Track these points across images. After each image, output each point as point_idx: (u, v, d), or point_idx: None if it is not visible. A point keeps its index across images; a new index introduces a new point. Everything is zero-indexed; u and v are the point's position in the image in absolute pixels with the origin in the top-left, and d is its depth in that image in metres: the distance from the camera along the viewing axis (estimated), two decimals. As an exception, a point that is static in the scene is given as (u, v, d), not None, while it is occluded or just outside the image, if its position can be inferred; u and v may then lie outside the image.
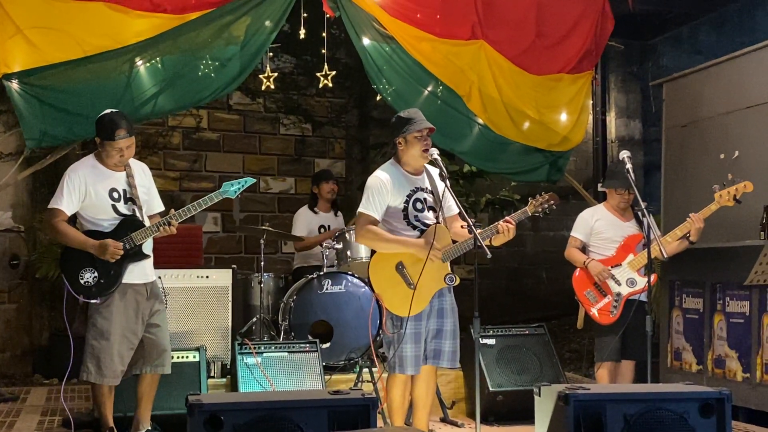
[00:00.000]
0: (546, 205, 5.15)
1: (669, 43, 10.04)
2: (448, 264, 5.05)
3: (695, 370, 6.51)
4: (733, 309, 6.21)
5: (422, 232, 5.01)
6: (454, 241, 5.07)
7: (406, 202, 4.99)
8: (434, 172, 5.17)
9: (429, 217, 5.06)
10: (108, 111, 5.16)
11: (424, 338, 5.01)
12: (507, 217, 4.99)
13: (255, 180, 5.42)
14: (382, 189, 4.95)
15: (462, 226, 5.01)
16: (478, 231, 4.85)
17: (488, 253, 4.74)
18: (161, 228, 5.06)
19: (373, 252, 5.13)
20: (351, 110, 10.54)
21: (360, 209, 4.98)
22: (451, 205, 5.12)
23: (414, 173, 5.09)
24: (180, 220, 5.13)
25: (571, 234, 6.18)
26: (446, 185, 5.05)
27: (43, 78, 6.00)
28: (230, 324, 6.55)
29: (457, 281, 4.99)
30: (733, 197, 5.66)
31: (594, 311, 5.92)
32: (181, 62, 6.32)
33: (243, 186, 5.26)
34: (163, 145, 9.90)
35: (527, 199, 5.25)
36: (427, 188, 5.08)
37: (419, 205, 5.02)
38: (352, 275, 6.80)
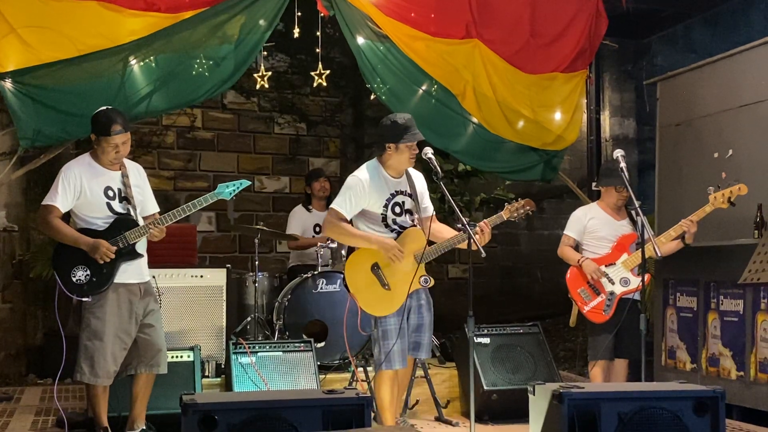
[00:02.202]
0: (522, 211, 5.24)
1: (663, 42, 10.05)
2: (423, 265, 5.10)
3: (689, 369, 6.52)
4: (727, 307, 6.22)
5: (399, 234, 5.10)
6: (431, 243, 5.15)
7: (385, 206, 5.06)
8: (414, 173, 5.23)
9: (407, 221, 5.16)
10: (103, 107, 5.16)
11: (408, 332, 5.10)
12: (483, 221, 5.06)
13: (250, 182, 5.42)
14: (360, 191, 5.01)
15: (459, 227, 5.05)
16: (456, 234, 5.07)
17: (483, 252, 4.82)
18: (152, 228, 5.06)
19: (350, 252, 5.21)
20: (345, 109, 10.55)
21: (333, 205, 5.05)
22: (428, 206, 5.22)
23: (395, 176, 5.14)
24: (173, 221, 5.13)
25: (565, 232, 6.18)
26: (440, 185, 5.14)
27: (37, 77, 5.97)
28: (225, 323, 6.54)
29: (432, 283, 5.10)
30: (728, 199, 5.67)
31: (587, 310, 5.93)
32: (175, 61, 6.30)
33: (238, 188, 5.26)
34: (158, 145, 9.89)
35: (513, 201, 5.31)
36: (406, 191, 5.15)
37: (397, 209, 5.10)
38: (347, 274, 6.79)
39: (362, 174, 5.07)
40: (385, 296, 5.02)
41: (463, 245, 5.09)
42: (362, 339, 6.46)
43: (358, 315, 5.11)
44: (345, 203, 5.01)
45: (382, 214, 5.06)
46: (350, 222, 5.13)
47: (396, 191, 5.11)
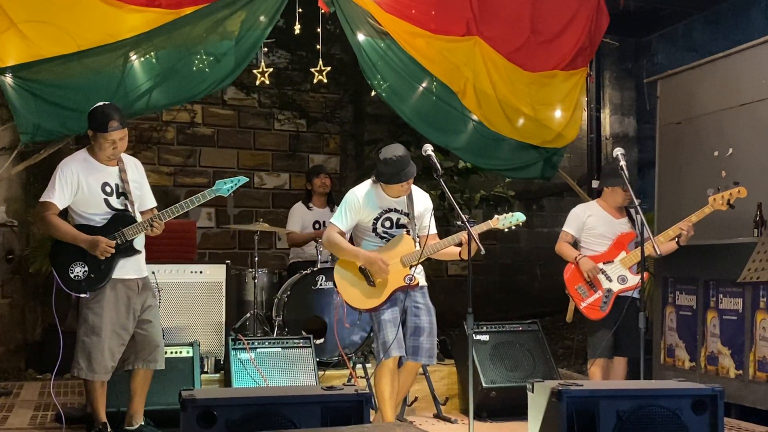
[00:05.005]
0: (510, 222, 5.29)
1: (664, 40, 10.04)
2: (420, 267, 5.31)
3: (688, 367, 6.52)
4: (727, 306, 6.22)
5: (388, 241, 5.33)
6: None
7: (376, 219, 5.30)
8: (418, 195, 5.39)
9: (398, 232, 5.36)
10: (100, 103, 5.15)
11: (403, 332, 5.24)
12: (472, 228, 5.07)
13: (248, 179, 5.44)
14: (355, 206, 5.29)
15: (459, 224, 5.11)
16: (443, 239, 5.23)
17: (482, 249, 4.91)
18: (153, 223, 5.05)
19: None
20: (346, 106, 10.53)
21: (331, 219, 5.37)
22: (428, 226, 5.32)
23: (392, 196, 5.30)
24: (172, 217, 5.13)
25: (563, 229, 6.18)
26: (440, 182, 5.20)
27: (37, 72, 5.97)
28: (224, 319, 6.54)
29: (416, 282, 5.24)
30: (727, 202, 5.67)
31: (584, 306, 5.93)
32: (176, 57, 6.30)
33: (236, 185, 5.27)
34: (158, 140, 9.88)
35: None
36: (401, 210, 5.33)
37: (387, 224, 5.32)
38: (346, 271, 6.80)
39: (358, 190, 5.35)
40: (370, 292, 5.23)
41: (449, 256, 5.33)
42: (361, 336, 6.47)
43: (344, 310, 5.53)
44: (341, 217, 5.30)
45: (372, 225, 5.31)
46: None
47: (389, 208, 5.31)
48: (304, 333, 6.42)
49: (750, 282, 5.82)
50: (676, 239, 5.80)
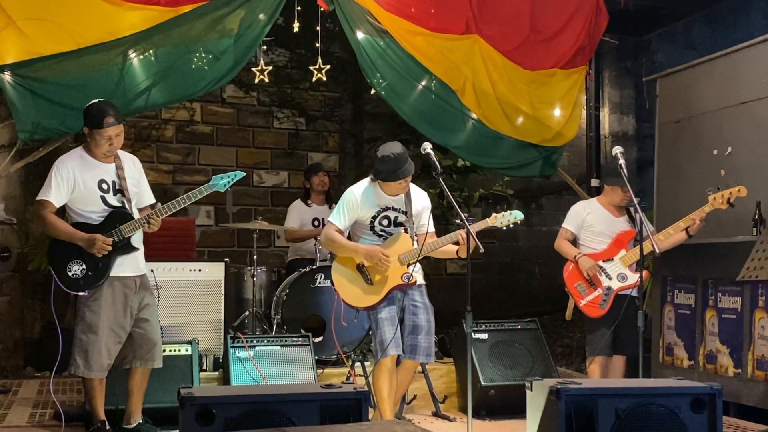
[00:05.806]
0: (508, 220, 5.30)
1: (663, 39, 10.04)
2: (418, 265, 5.31)
3: (687, 366, 6.53)
4: (725, 305, 6.22)
5: (386, 239, 5.32)
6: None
7: (374, 217, 5.30)
8: (416, 193, 5.40)
9: (396, 231, 5.35)
10: (95, 100, 5.15)
11: (401, 331, 5.24)
12: (470, 226, 5.07)
13: (245, 174, 5.45)
14: (353, 204, 5.30)
15: (458, 222, 5.13)
16: (441, 237, 5.26)
17: (481, 247, 4.92)
18: (150, 220, 5.05)
19: None
20: (345, 104, 10.52)
21: (329, 218, 5.37)
22: (425, 224, 5.37)
23: (390, 194, 5.30)
24: (169, 213, 5.12)
25: (563, 225, 6.19)
26: (439, 181, 5.20)
27: (36, 70, 5.96)
28: (223, 317, 6.55)
29: (414, 280, 5.24)
30: (727, 200, 5.68)
31: (583, 304, 5.93)
32: (175, 55, 6.29)
33: (233, 180, 5.26)
34: (156, 138, 9.89)
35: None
36: (399, 209, 5.33)
37: (385, 222, 5.32)
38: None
39: (356, 188, 5.35)
40: (367, 290, 5.23)
41: (447, 254, 5.35)
42: (360, 334, 6.47)
43: (342, 308, 5.51)
44: (339, 215, 5.30)
45: (370, 223, 5.30)
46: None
47: (387, 206, 5.31)
48: (302, 331, 6.42)
49: (749, 281, 5.83)
50: (686, 229, 5.78)
